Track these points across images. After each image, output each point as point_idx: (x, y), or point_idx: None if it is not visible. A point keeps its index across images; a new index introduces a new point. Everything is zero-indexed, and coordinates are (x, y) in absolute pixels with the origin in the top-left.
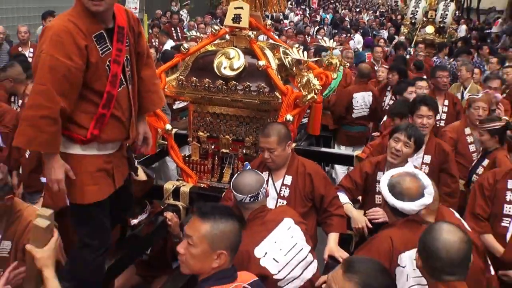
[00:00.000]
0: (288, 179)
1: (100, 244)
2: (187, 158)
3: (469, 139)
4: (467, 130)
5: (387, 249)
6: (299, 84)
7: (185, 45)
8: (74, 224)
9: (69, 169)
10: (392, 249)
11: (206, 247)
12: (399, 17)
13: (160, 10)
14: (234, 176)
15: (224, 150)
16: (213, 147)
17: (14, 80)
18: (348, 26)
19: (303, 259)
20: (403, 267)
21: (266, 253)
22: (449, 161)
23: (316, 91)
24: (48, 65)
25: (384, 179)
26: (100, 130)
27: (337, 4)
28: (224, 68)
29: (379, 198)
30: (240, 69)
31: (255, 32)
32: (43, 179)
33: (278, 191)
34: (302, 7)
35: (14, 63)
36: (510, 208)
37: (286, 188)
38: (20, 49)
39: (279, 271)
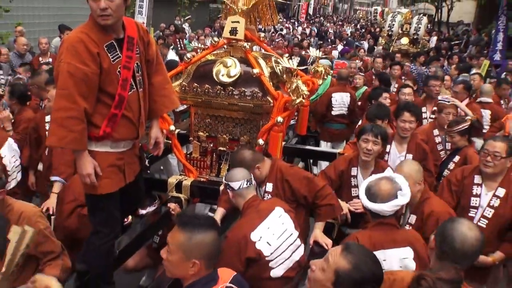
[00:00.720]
0: (269, 186)
1: (110, 231)
2: (188, 155)
3: (437, 139)
4: (435, 132)
5: None
6: (289, 90)
7: (188, 55)
8: (88, 213)
9: (97, 165)
10: None
11: (182, 255)
12: (377, 29)
13: (164, 24)
14: (224, 177)
15: (222, 148)
16: (211, 145)
17: (39, 87)
18: (333, 38)
19: (292, 242)
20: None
21: (261, 237)
22: (428, 158)
23: (304, 95)
24: (67, 71)
25: (363, 184)
26: (112, 129)
27: (322, 18)
28: (222, 75)
29: (355, 191)
30: (236, 76)
31: (250, 44)
32: (54, 178)
33: (262, 197)
34: (291, 21)
35: (41, 71)
36: (476, 200)
37: (268, 195)
38: (40, 58)
39: (271, 253)
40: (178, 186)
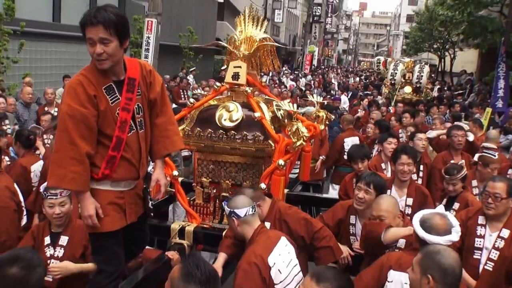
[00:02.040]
0: (267, 226)
1: (113, 270)
2: (191, 201)
3: (474, 191)
4: (474, 183)
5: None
6: (289, 132)
7: (191, 100)
8: (92, 252)
9: (98, 207)
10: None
11: None
12: (377, 79)
13: (169, 75)
14: (226, 205)
15: (225, 194)
16: (214, 191)
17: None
18: (336, 88)
19: (297, 274)
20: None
21: (274, 263)
22: (428, 202)
23: (304, 138)
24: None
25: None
26: (111, 170)
27: (326, 69)
28: (225, 119)
29: (353, 239)
30: (239, 121)
31: (251, 88)
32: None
33: None
34: (295, 72)
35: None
36: (480, 241)
37: (285, 236)
38: (46, 108)
39: (280, 282)
40: (181, 232)
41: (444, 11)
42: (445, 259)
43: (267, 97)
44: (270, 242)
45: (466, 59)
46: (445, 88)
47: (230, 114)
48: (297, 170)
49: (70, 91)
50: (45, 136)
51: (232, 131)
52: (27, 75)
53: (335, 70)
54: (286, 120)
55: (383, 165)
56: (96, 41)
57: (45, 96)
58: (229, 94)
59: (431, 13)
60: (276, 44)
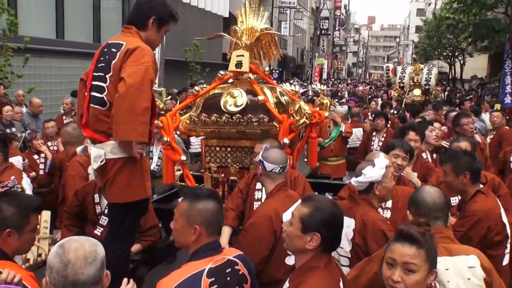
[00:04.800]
0: None
1: (129, 241)
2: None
3: None
4: None
5: None
6: (292, 111)
7: (196, 88)
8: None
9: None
10: None
11: (185, 222)
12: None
13: (177, 89)
14: (262, 152)
15: (232, 178)
16: (222, 175)
17: None
18: (346, 96)
19: None
20: None
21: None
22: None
23: (307, 115)
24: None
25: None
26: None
27: (337, 81)
28: (230, 105)
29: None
30: (243, 105)
31: (255, 75)
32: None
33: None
34: (304, 84)
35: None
36: None
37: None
38: (64, 117)
39: None
40: None
41: (449, 14)
42: (417, 193)
43: (270, 85)
44: (288, 200)
45: (476, 66)
46: (456, 93)
47: (235, 99)
48: None
49: (152, 57)
50: (49, 143)
51: (238, 115)
52: (32, 90)
53: (345, 81)
54: (290, 106)
55: (423, 155)
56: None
57: (63, 106)
58: (233, 82)
59: (438, 21)
60: (277, 33)
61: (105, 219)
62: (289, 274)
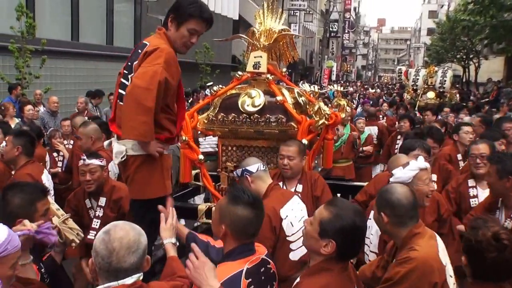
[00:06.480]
0: (300, 188)
1: (151, 238)
2: (217, 187)
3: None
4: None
5: None
6: (312, 112)
7: (214, 88)
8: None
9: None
10: None
11: (217, 217)
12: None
13: (186, 88)
14: (239, 167)
15: None
16: None
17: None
18: (356, 98)
19: None
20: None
21: (286, 216)
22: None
23: (326, 116)
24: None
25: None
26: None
27: (347, 83)
28: (247, 105)
29: None
30: (261, 106)
31: (273, 76)
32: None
33: None
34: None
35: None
36: (474, 201)
37: (298, 194)
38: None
39: (292, 234)
40: (208, 213)
41: (466, 16)
42: (390, 195)
43: (287, 86)
44: (283, 197)
45: (491, 69)
46: (470, 97)
47: (253, 100)
48: None
49: (168, 59)
50: (65, 142)
51: (256, 115)
52: (48, 90)
53: (354, 83)
54: (308, 106)
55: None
56: (199, 33)
57: (77, 105)
58: (250, 83)
59: (452, 22)
60: (295, 34)
61: (97, 222)
62: (296, 269)
